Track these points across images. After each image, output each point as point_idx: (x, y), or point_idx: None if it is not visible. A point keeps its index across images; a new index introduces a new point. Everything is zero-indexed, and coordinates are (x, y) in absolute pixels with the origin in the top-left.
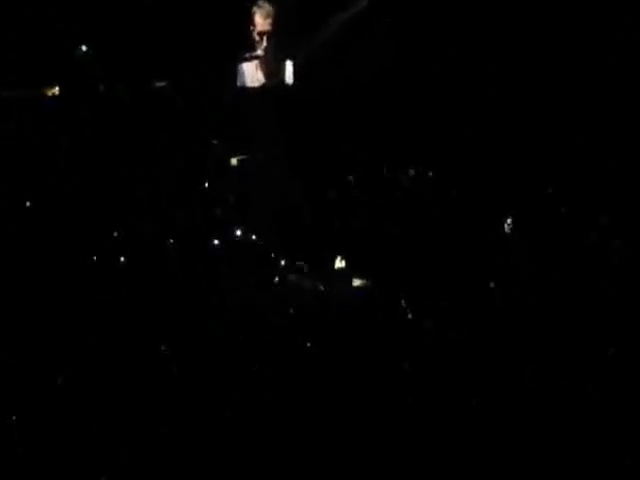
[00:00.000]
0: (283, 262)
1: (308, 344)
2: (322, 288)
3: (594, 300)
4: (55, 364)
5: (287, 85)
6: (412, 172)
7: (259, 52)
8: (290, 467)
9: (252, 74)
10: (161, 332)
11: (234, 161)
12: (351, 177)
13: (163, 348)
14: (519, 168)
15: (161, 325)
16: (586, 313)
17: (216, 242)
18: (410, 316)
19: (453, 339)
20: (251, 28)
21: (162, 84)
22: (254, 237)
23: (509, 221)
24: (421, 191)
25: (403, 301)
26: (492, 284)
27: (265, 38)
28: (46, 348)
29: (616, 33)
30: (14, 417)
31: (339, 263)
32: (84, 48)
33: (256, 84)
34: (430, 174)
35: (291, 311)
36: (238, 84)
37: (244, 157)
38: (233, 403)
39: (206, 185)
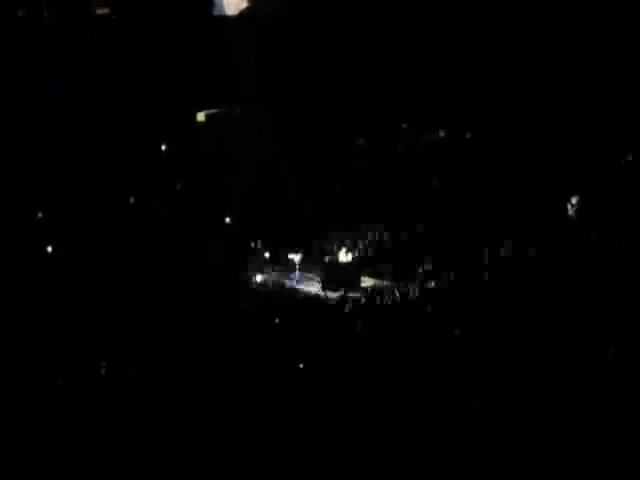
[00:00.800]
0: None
1: (307, 343)
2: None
3: (594, 300)
4: (54, 362)
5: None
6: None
7: None
8: (291, 467)
9: (235, 2)
10: (159, 331)
11: (201, 117)
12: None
13: (162, 348)
14: (518, 168)
15: (159, 324)
16: (586, 313)
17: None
18: (410, 316)
19: (453, 339)
20: None
21: (105, 11)
22: (228, 220)
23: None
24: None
25: (404, 300)
26: (492, 283)
27: None
28: (46, 346)
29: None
30: (14, 417)
31: (338, 254)
32: None
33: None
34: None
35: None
36: (215, 14)
37: (216, 111)
38: (233, 403)
39: (163, 148)
